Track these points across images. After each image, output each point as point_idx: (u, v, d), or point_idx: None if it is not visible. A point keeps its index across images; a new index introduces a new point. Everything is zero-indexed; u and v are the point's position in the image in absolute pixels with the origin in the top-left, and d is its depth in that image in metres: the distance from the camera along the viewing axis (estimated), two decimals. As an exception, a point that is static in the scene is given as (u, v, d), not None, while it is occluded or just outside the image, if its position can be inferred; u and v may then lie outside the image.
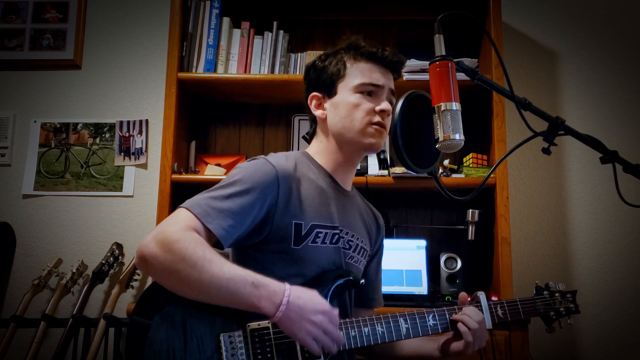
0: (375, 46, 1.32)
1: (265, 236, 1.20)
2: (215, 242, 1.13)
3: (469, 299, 1.31)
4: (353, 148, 1.31)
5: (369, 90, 1.29)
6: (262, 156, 1.25)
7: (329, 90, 1.33)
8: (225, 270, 1.04)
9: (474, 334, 1.23)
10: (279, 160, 1.24)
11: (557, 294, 1.37)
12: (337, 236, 1.27)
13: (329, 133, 1.33)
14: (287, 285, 1.07)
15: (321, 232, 1.24)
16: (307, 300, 1.08)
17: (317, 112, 1.34)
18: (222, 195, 1.14)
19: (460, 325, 1.24)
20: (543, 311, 1.35)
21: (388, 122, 1.31)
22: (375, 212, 1.50)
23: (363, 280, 1.32)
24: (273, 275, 1.20)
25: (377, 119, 1.28)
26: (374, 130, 1.28)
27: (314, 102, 1.36)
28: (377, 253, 1.49)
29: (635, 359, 2.26)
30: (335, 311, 1.11)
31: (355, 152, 1.32)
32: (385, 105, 1.28)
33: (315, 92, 1.35)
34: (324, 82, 1.34)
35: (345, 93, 1.30)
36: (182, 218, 1.09)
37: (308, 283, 1.21)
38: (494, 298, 1.91)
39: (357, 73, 1.30)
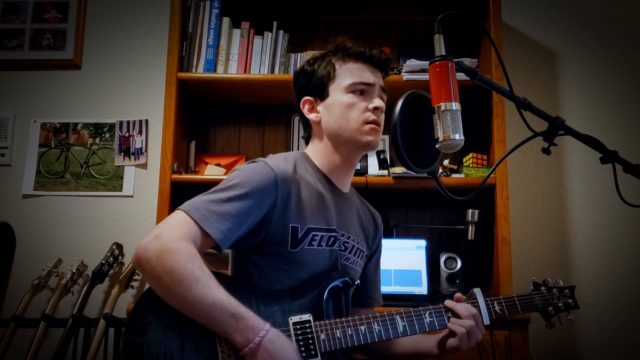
0: (362, 46, 1.33)
1: (261, 239, 1.20)
2: (214, 245, 1.13)
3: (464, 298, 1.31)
4: (350, 148, 1.31)
5: (360, 89, 1.30)
6: (261, 159, 1.26)
7: (321, 93, 1.33)
8: (210, 293, 1.04)
9: (469, 329, 1.23)
10: (278, 163, 1.24)
11: (554, 290, 1.37)
12: (333, 238, 1.28)
13: (324, 135, 1.33)
14: (267, 326, 1.07)
15: (317, 235, 1.24)
16: (279, 349, 1.06)
17: (311, 116, 1.35)
18: (221, 199, 1.14)
19: (450, 325, 1.24)
20: (541, 307, 1.35)
21: (382, 119, 1.32)
22: (373, 213, 1.50)
23: (358, 282, 1.32)
24: (270, 277, 1.20)
25: (372, 117, 1.28)
26: (370, 128, 1.28)
27: (306, 106, 1.36)
28: (375, 253, 1.49)
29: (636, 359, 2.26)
30: None
31: (353, 151, 1.32)
32: (378, 102, 1.29)
33: (306, 96, 1.36)
34: (314, 85, 1.34)
35: (338, 94, 1.30)
36: (180, 223, 1.09)
37: (304, 285, 1.22)
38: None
39: (347, 73, 1.31)
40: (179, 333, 1.08)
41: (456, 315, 1.25)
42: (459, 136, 0.99)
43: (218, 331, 1.06)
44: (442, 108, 0.99)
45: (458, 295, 1.29)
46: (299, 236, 1.22)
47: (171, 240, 1.05)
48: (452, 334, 1.25)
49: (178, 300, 1.05)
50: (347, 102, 1.29)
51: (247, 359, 1.06)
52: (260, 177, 1.18)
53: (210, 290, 1.04)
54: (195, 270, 1.04)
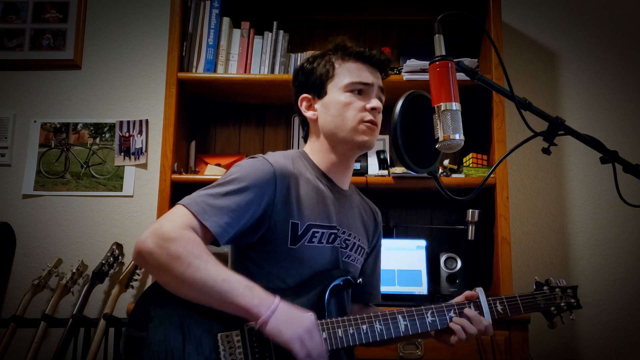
0: (362, 46, 1.33)
1: (261, 235, 1.20)
2: (212, 240, 1.14)
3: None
4: (346, 147, 1.31)
5: (358, 89, 1.30)
6: (261, 155, 1.26)
7: (319, 91, 1.33)
8: (220, 271, 1.06)
9: (470, 336, 1.22)
10: (277, 158, 1.24)
11: (557, 289, 1.36)
12: (333, 235, 1.28)
13: (321, 134, 1.34)
14: (277, 296, 1.10)
15: (317, 232, 1.24)
16: (296, 309, 1.10)
17: (308, 114, 1.35)
18: (220, 193, 1.14)
19: (452, 325, 1.23)
20: (543, 306, 1.34)
21: (379, 119, 1.32)
22: (373, 209, 1.51)
23: (360, 280, 1.32)
24: (270, 275, 1.21)
25: (368, 116, 1.29)
26: (366, 127, 1.29)
27: (304, 103, 1.36)
28: (374, 249, 1.49)
29: None
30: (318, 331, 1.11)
31: (349, 151, 1.33)
32: (375, 102, 1.29)
33: (305, 94, 1.36)
34: (313, 83, 1.34)
35: (336, 93, 1.31)
36: (180, 215, 1.10)
37: (305, 283, 1.22)
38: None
39: (346, 73, 1.31)
40: (180, 331, 1.08)
41: (467, 317, 1.24)
42: (459, 136, 0.99)
43: (233, 304, 1.05)
44: (442, 108, 0.99)
45: (469, 292, 1.29)
46: (299, 232, 1.22)
47: (172, 229, 1.06)
48: (451, 330, 1.24)
49: (188, 284, 1.05)
50: (344, 101, 1.29)
51: (267, 324, 1.05)
52: (259, 172, 1.19)
53: (220, 268, 1.06)
54: (202, 252, 1.06)
